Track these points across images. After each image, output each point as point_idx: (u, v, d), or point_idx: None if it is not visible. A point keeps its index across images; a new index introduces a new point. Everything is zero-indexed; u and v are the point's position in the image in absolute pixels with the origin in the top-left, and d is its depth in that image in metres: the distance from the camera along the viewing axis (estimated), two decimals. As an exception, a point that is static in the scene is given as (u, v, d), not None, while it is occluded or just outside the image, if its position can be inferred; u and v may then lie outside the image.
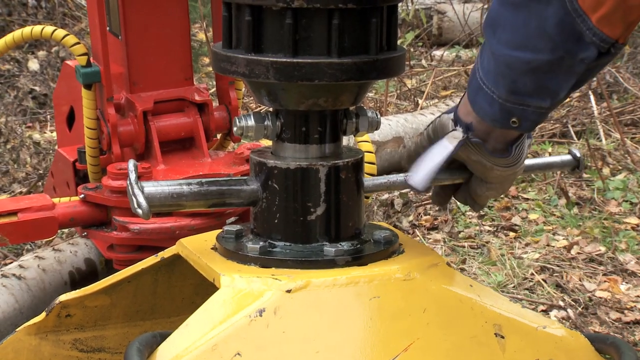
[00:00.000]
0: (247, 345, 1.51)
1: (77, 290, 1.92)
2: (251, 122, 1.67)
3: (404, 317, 1.57)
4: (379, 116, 1.74)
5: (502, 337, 1.59)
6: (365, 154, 2.65)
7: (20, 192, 3.74)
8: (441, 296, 1.61)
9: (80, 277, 2.78)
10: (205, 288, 1.68)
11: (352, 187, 1.69)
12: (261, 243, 1.66)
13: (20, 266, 2.73)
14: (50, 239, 3.02)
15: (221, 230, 1.75)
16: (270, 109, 1.70)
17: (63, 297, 1.91)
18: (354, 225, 1.70)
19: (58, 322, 1.92)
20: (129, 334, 1.97)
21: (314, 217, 1.66)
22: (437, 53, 5.99)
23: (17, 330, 1.92)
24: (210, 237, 1.76)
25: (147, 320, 1.99)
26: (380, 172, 4.02)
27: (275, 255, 1.65)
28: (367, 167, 2.75)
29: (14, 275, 2.68)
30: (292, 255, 1.65)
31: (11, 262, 2.88)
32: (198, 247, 1.74)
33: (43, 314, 1.92)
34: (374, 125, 1.74)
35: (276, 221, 1.67)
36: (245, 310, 1.53)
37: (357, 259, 1.65)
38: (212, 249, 1.73)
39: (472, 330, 1.59)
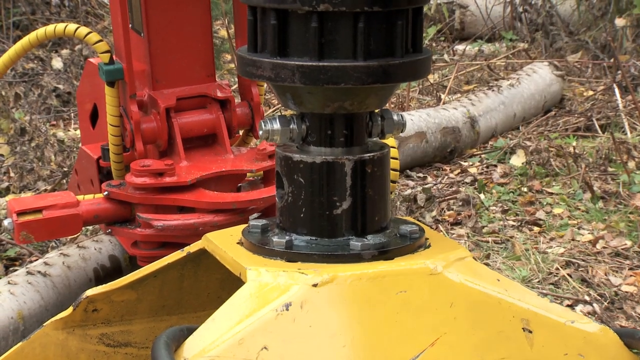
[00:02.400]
0: (274, 339, 1.51)
1: (104, 285, 1.93)
2: (277, 125, 1.68)
3: (430, 312, 1.57)
4: (404, 118, 1.74)
5: (530, 331, 1.58)
6: (388, 149, 2.66)
7: (45, 190, 3.76)
8: (468, 291, 1.60)
9: (105, 273, 2.79)
10: (231, 283, 1.68)
11: (379, 181, 1.68)
12: (287, 237, 1.66)
13: (46, 263, 2.75)
14: (75, 236, 3.03)
15: (247, 224, 1.75)
16: (296, 112, 1.70)
17: (90, 292, 1.92)
18: (380, 220, 1.70)
19: (85, 316, 1.93)
20: (156, 329, 1.98)
21: (340, 211, 1.66)
22: (460, 47, 5.97)
23: (44, 325, 1.93)
24: (236, 232, 1.77)
25: (174, 315, 2.00)
26: (403, 167, 4.02)
27: (301, 250, 1.65)
28: (390, 162, 2.74)
29: (39, 272, 2.69)
30: (318, 250, 1.65)
31: (36, 260, 2.90)
32: (224, 242, 1.74)
33: (70, 309, 1.93)
34: (400, 128, 1.73)
35: (302, 215, 1.67)
36: (271, 304, 1.54)
37: (384, 253, 1.65)
38: (238, 243, 1.73)
39: (500, 325, 1.58)
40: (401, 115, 1.74)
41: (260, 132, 1.68)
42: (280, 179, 1.70)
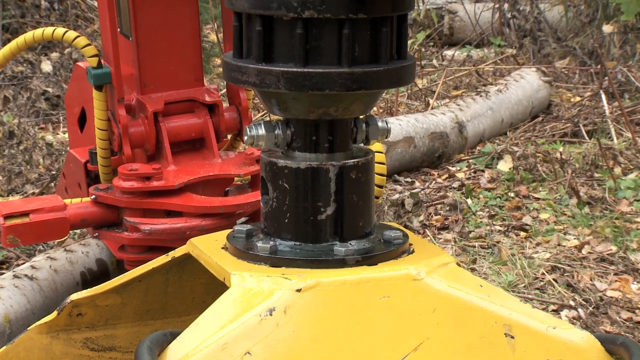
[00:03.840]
0: (257, 344, 1.51)
1: (88, 290, 1.92)
2: (262, 131, 1.68)
3: (413, 317, 1.58)
4: (388, 124, 1.75)
5: (512, 337, 1.59)
6: (376, 154, 2.66)
7: (33, 193, 3.75)
8: (451, 296, 1.61)
9: (92, 277, 2.78)
10: (216, 287, 1.69)
11: (363, 187, 1.69)
12: (271, 242, 1.67)
13: (33, 267, 2.74)
14: (62, 239, 3.03)
15: (232, 230, 1.75)
16: (281, 118, 1.70)
17: (74, 296, 1.91)
18: (364, 225, 1.70)
19: (69, 321, 1.93)
20: (140, 333, 1.98)
21: (324, 216, 1.66)
22: (448, 53, 5.99)
23: (28, 329, 1.93)
24: (220, 237, 1.77)
25: (158, 319, 2.00)
26: (391, 172, 4.03)
27: (286, 255, 1.65)
28: (378, 167, 2.74)
29: (26, 275, 2.69)
30: (302, 255, 1.65)
31: (23, 263, 2.89)
32: (209, 247, 1.75)
33: (54, 313, 1.92)
34: (384, 134, 1.74)
35: (286, 221, 1.67)
36: (255, 309, 1.54)
37: (367, 258, 1.65)
38: (222, 248, 1.73)
39: (482, 330, 1.59)
40: (386, 122, 1.75)
41: (246, 138, 1.69)
42: (265, 185, 1.70)
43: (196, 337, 1.53)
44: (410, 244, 1.73)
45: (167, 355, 1.53)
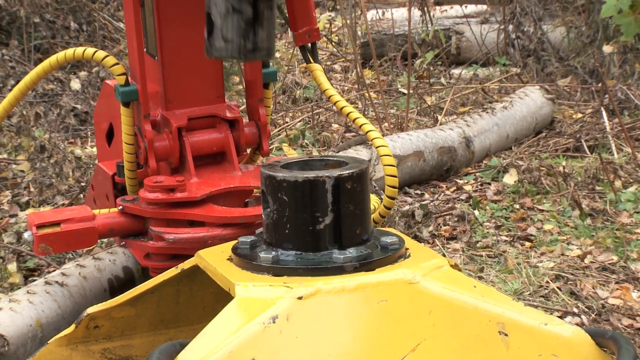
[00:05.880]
0: (262, 351, 1.51)
1: (104, 303, 1.93)
2: None
3: (411, 319, 1.57)
4: None
5: (506, 334, 1.59)
6: (387, 167, 2.66)
7: (63, 204, 3.77)
8: (446, 298, 1.61)
9: (119, 284, 2.79)
10: (225, 296, 1.69)
11: (359, 196, 1.69)
12: (273, 253, 1.67)
13: (63, 274, 2.75)
14: (91, 248, 3.03)
15: (236, 241, 1.75)
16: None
17: (91, 310, 1.92)
18: (361, 232, 1.70)
19: (87, 333, 1.93)
20: (155, 342, 1.97)
21: (322, 226, 1.66)
22: (456, 71, 5.98)
23: (48, 342, 1.93)
24: (226, 248, 1.77)
25: (172, 328, 2.00)
26: (402, 185, 4.02)
27: (287, 264, 1.65)
28: (389, 180, 2.74)
29: (56, 282, 2.69)
30: (303, 263, 1.65)
31: (54, 270, 2.90)
32: (215, 258, 1.75)
33: (72, 326, 1.93)
34: None
35: (287, 231, 1.67)
36: (259, 317, 1.54)
37: (365, 264, 1.65)
38: (227, 259, 1.73)
39: (477, 329, 1.59)
40: None
41: None
42: (265, 198, 1.70)
43: (203, 347, 1.53)
44: (407, 249, 1.73)
45: None
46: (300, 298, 1.56)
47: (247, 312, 1.56)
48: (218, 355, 1.50)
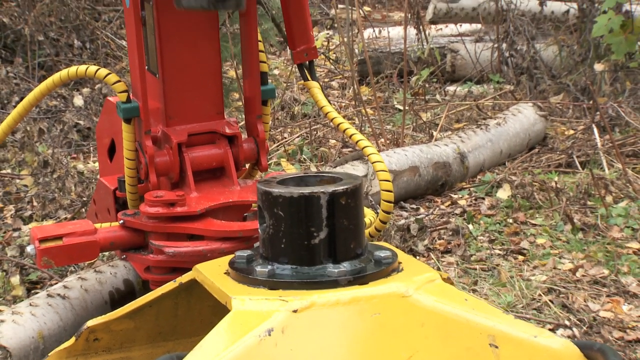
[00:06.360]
0: None
1: (104, 316, 1.93)
2: None
3: (403, 332, 1.58)
4: None
5: (497, 347, 1.59)
6: (382, 182, 2.67)
7: (65, 218, 3.77)
8: (438, 311, 1.61)
9: (120, 296, 2.79)
10: (222, 309, 1.69)
11: (353, 212, 1.69)
12: (269, 267, 1.67)
13: (65, 286, 2.75)
14: (92, 261, 3.04)
15: (233, 255, 1.75)
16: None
17: (90, 323, 1.92)
18: (355, 247, 1.70)
19: (87, 345, 1.93)
20: (154, 354, 1.97)
21: (317, 240, 1.67)
22: (451, 88, 6.00)
23: (49, 355, 1.93)
24: (223, 262, 1.77)
25: (170, 340, 2.00)
26: (397, 199, 4.03)
27: (283, 278, 1.65)
28: (385, 195, 2.75)
29: (58, 295, 2.69)
30: (298, 277, 1.65)
31: (56, 283, 2.90)
32: (212, 272, 1.75)
33: (72, 339, 1.93)
34: None
35: (282, 246, 1.68)
36: (255, 330, 1.54)
37: (359, 278, 1.65)
38: (224, 273, 1.73)
39: (468, 342, 1.59)
40: None
41: None
42: (262, 213, 1.71)
43: (201, 359, 1.53)
44: (400, 263, 1.73)
45: None
46: (295, 311, 1.57)
47: (243, 325, 1.56)
48: None
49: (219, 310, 1.90)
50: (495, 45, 6.03)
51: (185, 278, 1.84)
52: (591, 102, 5.09)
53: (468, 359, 1.57)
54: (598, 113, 4.79)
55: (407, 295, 1.62)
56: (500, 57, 6.00)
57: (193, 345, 1.61)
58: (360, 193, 1.72)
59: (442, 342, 1.58)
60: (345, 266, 1.67)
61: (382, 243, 1.87)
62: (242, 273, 1.68)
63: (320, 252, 1.67)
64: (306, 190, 1.66)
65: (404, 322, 1.59)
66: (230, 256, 1.76)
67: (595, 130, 4.66)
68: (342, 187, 1.68)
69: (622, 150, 4.50)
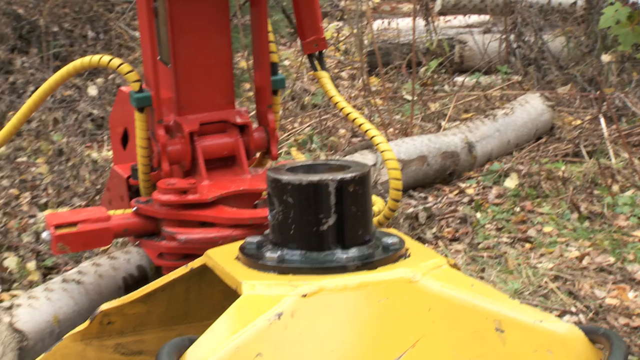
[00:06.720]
0: (268, 346, 1.52)
1: (117, 300, 1.94)
2: None
3: (410, 316, 1.58)
4: None
5: (502, 331, 1.59)
6: (391, 171, 2.67)
7: (80, 205, 3.79)
8: (445, 296, 1.61)
9: (133, 282, 2.80)
10: (233, 294, 1.70)
11: (361, 199, 1.69)
12: (279, 252, 1.67)
13: (79, 272, 2.77)
14: (106, 247, 3.05)
15: (243, 241, 1.76)
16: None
17: (104, 306, 1.93)
18: (363, 233, 1.70)
19: (101, 328, 1.94)
20: (166, 338, 1.98)
21: (325, 227, 1.67)
22: (459, 79, 5.99)
23: (63, 337, 1.94)
24: (234, 248, 1.78)
25: (181, 324, 2.00)
26: (406, 188, 4.02)
27: (292, 263, 1.66)
28: (393, 183, 2.75)
29: (73, 280, 2.71)
30: (307, 263, 1.66)
31: (71, 269, 2.92)
32: (222, 258, 1.76)
33: (87, 322, 1.94)
34: None
35: (291, 232, 1.68)
36: (264, 314, 1.55)
37: (367, 264, 1.66)
38: (235, 259, 1.74)
39: (474, 326, 1.59)
40: None
41: None
42: (271, 200, 1.71)
43: (212, 342, 1.54)
44: (407, 249, 1.73)
45: (186, 359, 1.54)
46: (304, 296, 1.57)
47: (253, 309, 1.57)
48: (225, 350, 1.51)
49: (229, 295, 1.90)
50: (503, 37, 6.01)
51: (196, 263, 1.84)
52: (598, 92, 5.07)
53: (474, 343, 1.58)
54: (605, 103, 4.78)
55: (414, 281, 1.62)
56: (508, 48, 5.98)
57: (204, 329, 1.61)
58: (368, 180, 1.72)
59: (448, 327, 1.58)
60: (353, 252, 1.67)
61: (390, 230, 1.87)
62: (252, 258, 1.68)
63: (329, 238, 1.67)
64: (315, 177, 1.67)
65: (411, 306, 1.59)
66: (241, 242, 1.77)
67: (602, 120, 4.65)
68: (350, 175, 1.68)
69: (629, 140, 4.49)
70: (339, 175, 1.67)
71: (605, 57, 5.42)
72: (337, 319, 1.56)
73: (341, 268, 1.64)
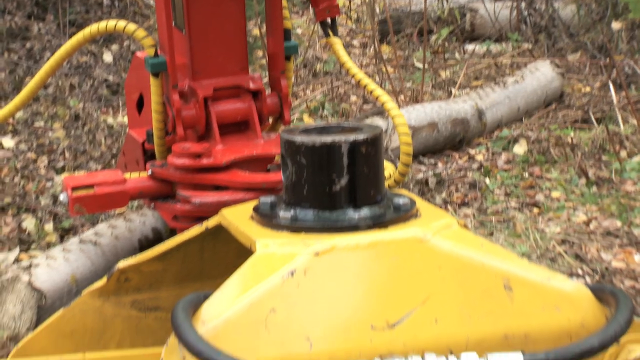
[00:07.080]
0: (281, 302, 1.53)
1: (133, 257, 1.96)
2: None
3: (421, 275, 1.59)
4: None
5: (511, 289, 1.60)
6: (402, 136, 2.67)
7: (96, 169, 3.81)
8: (454, 255, 1.62)
9: (148, 244, 2.83)
10: (247, 252, 1.71)
11: (373, 160, 1.69)
12: (292, 212, 1.68)
13: (96, 233, 2.79)
14: (122, 209, 3.08)
15: (257, 201, 1.77)
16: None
17: (121, 264, 1.95)
18: (375, 194, 1.71)
19: (118, 286, 1.97)
20: (181, 295, 1.99)
21: (338, 187, 1.67)
22: (470, 47, 5.95)
23: (82, 293, 1.97)
24: (248, 208, 1.79)
25: (196, 282, 2.02)
26: (416, 154, 4.02)
27: (305, 222, 1.67)
28: (404, 148, 2.75)
29: (90, 241, 2.74)
30: (320, 222, 1.66)
31: (88, 230, 2.94)
32: (237, 217, 1.76)
33: (104, 279, 1.96)
34: None
35: (304, 192, 1.69)
36: (278, 271, 1.56)
37: (378, 223, 1.66)
38: (249, 218, 1.75)
39: (483, 284, 1.60)
40: None
41: None
42: (285, 161, 1.72)
43: (226, 298, 1.56)
44: (418, 209, 1.74)
45: (201, 314, 1.56)
46: (317, 254, 1.58)
47: (267, 267, 1.58)
48: (240, 305, 1.52)
49: (243, 253, 1.92)
50: (514, 4, 5.96)
51: (211, 222, 1.86)
52: (608, 59, 5.03)
53: (483, 300, 1.59)
54: (614, 70, 4.74)
55: (424, 240, 1.62)
56: (519, 15, 5.93)
57: (218, 286, 1.63)
58: (380, 142, 1.72)
59: (458, 285, 1.59)
60: (365, 211, 1.68)
61: (401, 190, 1.88)
62: (266, 218, 1.70)
63: (341, 198, 1.68)
64: (328, 138, 1.67)
65: (421, 265, 1.60)
66: (255, 202, 1.78)
67: (612, 87, 4.62)
68: (362, 136, 1.68)
69: (638, 106, 4.46)
70: (352, 137, 1.67)
71: (616, 25, 5.37)
72: (348, 277, 1.57)
73: (353, 227, 1.65)
